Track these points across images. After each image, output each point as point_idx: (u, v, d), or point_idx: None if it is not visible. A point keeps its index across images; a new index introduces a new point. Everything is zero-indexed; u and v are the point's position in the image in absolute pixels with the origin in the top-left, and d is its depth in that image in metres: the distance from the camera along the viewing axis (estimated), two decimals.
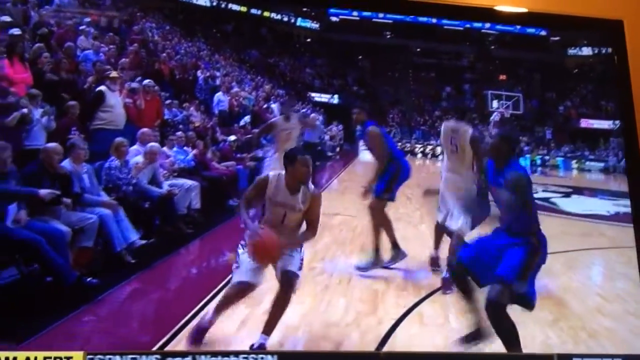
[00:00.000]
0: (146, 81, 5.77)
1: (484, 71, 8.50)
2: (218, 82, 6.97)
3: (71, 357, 3.08)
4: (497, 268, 3.29)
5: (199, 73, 6.95)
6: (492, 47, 8.51)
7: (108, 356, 3.09)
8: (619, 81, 4.57)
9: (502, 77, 8.56)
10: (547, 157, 8.50)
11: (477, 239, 3.66)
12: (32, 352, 3.08)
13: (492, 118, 7.92)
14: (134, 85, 5.64)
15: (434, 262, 4.69)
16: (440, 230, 4.75)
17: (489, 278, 3.35)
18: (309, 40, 7.92)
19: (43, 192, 3.96)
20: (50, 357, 3.08)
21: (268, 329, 3.34)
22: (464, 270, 3.44)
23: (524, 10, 4.57)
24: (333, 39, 8.08)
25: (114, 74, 5.48)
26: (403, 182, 4.78)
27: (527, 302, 3.31)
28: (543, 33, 8.70)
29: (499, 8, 4.53)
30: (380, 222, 4.74)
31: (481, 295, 3.36)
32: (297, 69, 7.71)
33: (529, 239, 3.30)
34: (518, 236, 3.33)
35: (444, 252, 4.62)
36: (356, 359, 3.66)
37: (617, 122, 5.43)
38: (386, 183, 4.67)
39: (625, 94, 4.55)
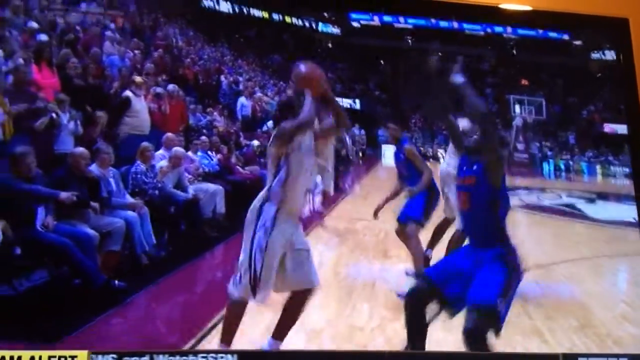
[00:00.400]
0: (170, 86, 5.89)
1: (506, 75, 8.47)
2: (241, 87, 7.04)
3: (75, 356, 3.13)
4: (471, 291, 3.06)
5: (222, 78, 7.03)
6: (514, 51, 8.49)
7: (111, 355, 3.14)
8: (624, 80, 4.56)
9: (524, 81, 8.53)
10: (571, 162, 8.45)
11: (444, 258, 3.55)
12: (37, 351, 3.14)
13: (514, 123, 7.92)
14: (159, 90, 5.74)
15: (427, 263, 4.55)
16: (439, 230, 4.71)
17: (459, 304, 3.12)
18: (330, 45, 7.97)
19: (63, 195, 4.05)
20: (55, 356, 3.14)
21: (280, 334, 3.35)
22: (431, 289, 3.16)
23: (527, 8, 4.58)
24: (354, 43, 8.11)
25: (138, 79, 5.60)
26: (436, 207, 4.66)
27: (499, 327, 3.05)
28: (565, 37, 8.67)
29: (502, 6, 4.54)
30: (417, 249, 4.55)
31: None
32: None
33: (501, 251, 3.11)
34: (487, 246, 3.13)
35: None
36: (360, 358, 3.68)
37: None
38: (423, 208, 4.54)
39: (630, 93, 4.54)
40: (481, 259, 3.12)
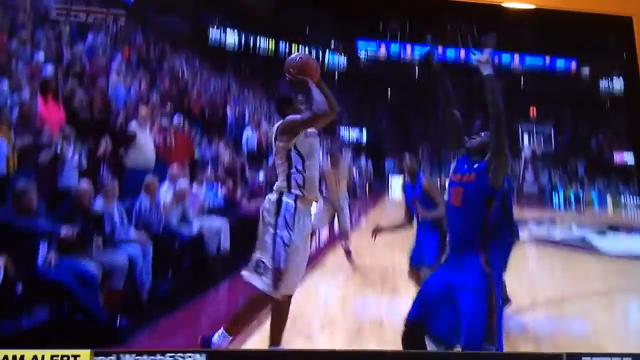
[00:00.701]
0: (176, 119, 5.92)
1: (514, 105, 8.48)
2: (247, 118, 7.05)
3: (78, 356, 3.17)
4: (459, 327, 2.99)
5: (228, 109, 7.07)
6: (522, 80, 8.50)
7: (114, 355, 3.18)
8: (627, 79, 4.56)
9: (533, 111, 8.54)
10: (581, 193, 8.39)
11: (420, 291, 3.36)
12: (39, 350, 3.18)
13: (523, 153, 7.90)
14: (164, 123, 5.79)
15: None
16: None
17: (453, 337, 3.06)
18: (337, 74, 8.01)
19: (64, 231, 4.03)
20: (58, 356, 3.18)
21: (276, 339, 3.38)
22: (419, 331, 3.11)
23: (531, 7, 4.58)
24: (361, 73, 8.16)
25: (144, 111, 5.65)
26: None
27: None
28: (573, 65, 8.70)
29: (506, 5, 4.55)
30: None
31: None
32: None
33: (478, 263, 3.06)
34: (468, 252, 3.08)
35: None
36: (362, 357, 3.70)
37: None
38: (437, 251, 4.41)
39: (634, 92, 4.53)
40: (461, 283, 3.06)
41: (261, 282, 3.26)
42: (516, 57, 8.68)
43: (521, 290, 4.87)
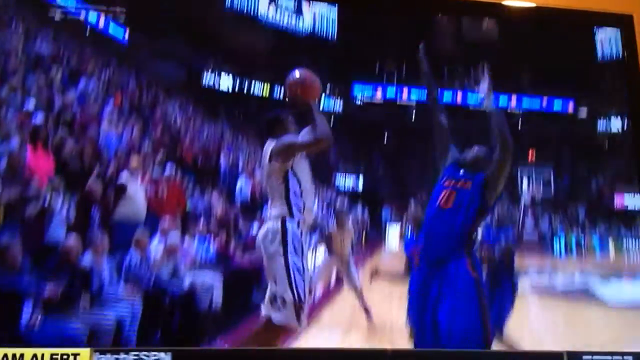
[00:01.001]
0: (168, 169, 5.84)
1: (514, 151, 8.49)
2: (241, 166, 6.99)
3: (78, 354, 3.18)
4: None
5: (221, 157, 7.01)
6: (519, 122, 8.52)
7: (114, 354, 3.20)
8: (628, 78, 4.56)
9: (531, 154, 8.54)
10: (582, 238, 8.32)
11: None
12: (39, 348, 3.22)
13: (522, 199, 7.87)
14: (156, 173, 5.72)
15: None
16: None
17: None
18: (333, 119, 8.01)
19: (48, 291, 3.94)
20: (57, 354, 3.19)
21: None
22: None
23: (532, 5, 4.61)
24: (358, 117, 8.18)
25: (135, 162, 5.58)
26: None
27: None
28: (570, 106, 8.74)
29: (506, 3, 4.58)
30: None
31: None
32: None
33: (464, 268, 3.15)
34: (451, 255, 3.17)
35: None
36: (363, 356, 3.71)
37: None
38: None
39: (635, 91, 4.53)
40: (449, 291, 3.13)
41: (283, 316, 3.17)
42: (513, 98, 8.73)
43: (523, 344, 4.79)
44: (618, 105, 8.21)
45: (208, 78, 7.54)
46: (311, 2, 8.01)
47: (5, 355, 3.13)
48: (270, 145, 3.36)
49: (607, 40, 7.86)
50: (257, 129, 8.35)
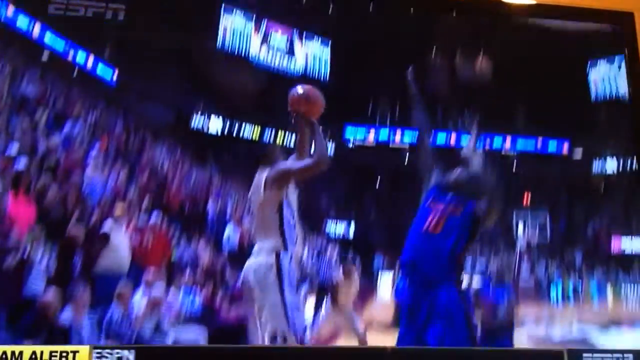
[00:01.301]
0: (154, 217, 5.76)
1: (507, 193, 8.46)
2: (229, 214, 6.90)
3: (77, 351, 3.16)
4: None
5: (209, 204, 6.94)
6: (514, 165, 8.53)
7: (115, 350, 3.15)
8: (629, 79, 4.55)
9: (526, 197, 8.52)
10: (579, 283, 8.24)
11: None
12: (38, 346, 3.20)
13: (518, 245, 7.82)
14: (141, 222, 5.64)
15: None
16: None
17: None
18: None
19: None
20: (57, 352, 3.17)
21: None
22: None
23: (532, 2, 4.63)
24: (350, 160, 8.14)
25: (120, 209, 5.52)
26: None
27: None
28: (565, 146, 8.75)
29: (507, 0, 4.64)
30: None
31: None
32: (312, 195, 7.67)
33: (454, 291, 3.14)
34: (440, 278, 3.14)
35: None
36: (363, 354, 3.67)
37: None
38: None
39: (636, 91, 4.52)
40: (439, 315, 3.10)
41: None
42: (508, 139, 8.75)
43: None
44: (613, 146, 8.27)
45: (197, 120, 7.51)
46: (303, 42, 8.06)
47: (5, 353, 3.13)
48: (263, 174, 3.28)
49: (600, 80, 7.95)
50: (246, 173, 8.38)
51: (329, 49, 7.81)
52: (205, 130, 7.49)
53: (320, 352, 3.55)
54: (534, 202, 8.39)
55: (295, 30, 7.96)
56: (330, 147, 8.03)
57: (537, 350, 3.64)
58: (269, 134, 7.70)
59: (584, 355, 3.54)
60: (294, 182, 3.30)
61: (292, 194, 3.28)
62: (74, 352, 3.15)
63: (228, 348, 3.49)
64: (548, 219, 8.31)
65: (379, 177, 8.32)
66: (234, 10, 7.59)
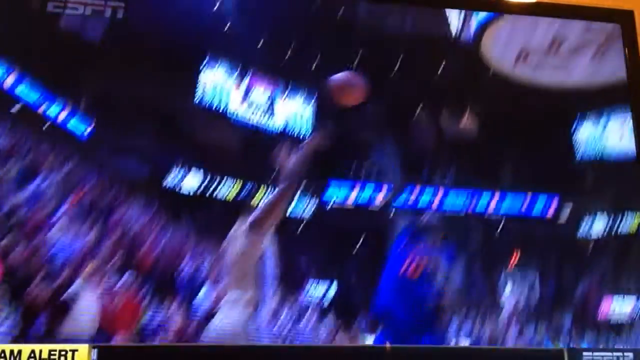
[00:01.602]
0: (124, 279, 5.69)
1: (493, 253, 8.52)
2: (204, 273, 6.85)
3: (76, 350, 3.45)
4: None
5: (183, 264, 6.89)
6: (499, 228, 8.60)
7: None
8: (628, 77, 4.64)
9: (514, 258, 8.57)
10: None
11: None
12: (37, 345, 3.49)
13: (504, 310, 7.83)
14: (111, 283, 5.56)
15: None
16: None
17: None
18: (305, 221, 7.98)
19: None
20: (56, 350, 3.45)
21: None
22: None
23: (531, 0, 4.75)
24: (331, 219, 8.16)
25: (89, 270, 5.44)
26: None
27: None
28: (553, 208, 8.86)
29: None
30: None
31: None
32: (291, 256, 7.67)
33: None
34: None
35: None
36: (362, 353, 3.81)
37: None
38: None
39: (636, 91, 4.60)
40: None
41: None
42: (494, 198, 8.84)
43: None
44: (601, 205, 8.40)
45: (173, 177, 7.53)
46: (285, 98, 8.18)
47: (3, 352, 3.38)
48: (243, 223, 3.33)
49: (584, 142, 8.13)
50: (224, 231, 8.35)
51: (311, 105, 7.93)
52: (181, 187, 7.51)
53: (319, 351, 3.64)
54: (521, 264, 8.44)
55: (278, 85, 8.10)
56: (312, 205, 8.07)
57: (537, 349, 3.87)
58: (247, 191, 7.73)
59: (584, 354, 3.91)
60: (275, 223, 3.33)
61: (270, 247, 3.33)
62: (73, 351, 3.44)
63: (228, 347, 3.59)
64: (536, 281, 8.34)
65: (362, 237, 8.35)
66: (217, 64, 7.72)
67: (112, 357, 3.67)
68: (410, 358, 3.63)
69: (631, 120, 5.08)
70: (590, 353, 4.03)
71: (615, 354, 4.11)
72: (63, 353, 3.46)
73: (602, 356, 4.10)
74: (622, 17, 5.09)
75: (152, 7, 6.10)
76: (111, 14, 5.51)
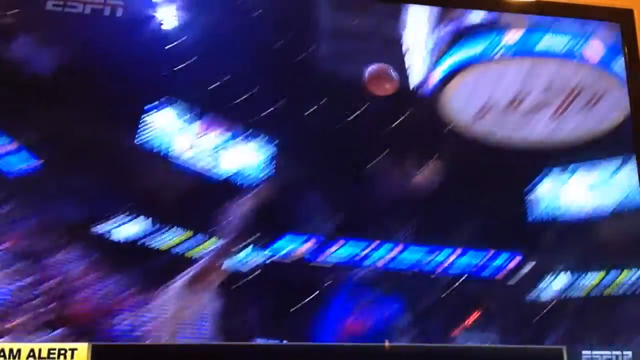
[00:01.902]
0: (56, 333, 5.62)
1: (452, 313, 8.56)
2: (142, 331, 6.71)
3: (76, 349, 4.08)
4: None
5: (119, 318, 6.71)
6: (456, 285, 8.68)
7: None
8: (628, 77, 4.74)
9: (471, 319, 8.62)
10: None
11: None
12: (37, 344, 4.14)
13: None
14: (42, 339, 5.46)
15: None
16: None
17: None
18: (254, 274, 7.91)
19: None
20: (55, 349, 4.09)
21: None
22: None
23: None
24: (284, 273, 8.10)
25: (16, 325, 5.39)
26: None
27: None
28: (517, 259, 8.98)
29: None
30: None
31: None
32: (237, 312, 7.58)
33: None
34: None
35: None
36: (361, 351, 4.44)
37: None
38: None
39: (636, 91, 4.71)
40: None
41: None
42: (457, 251, 8.92)
43: None
44: (563, 263, 8.54)
45: (114, 223, 7.39)
46: (237, 143, 8.18)
47: (2, 350, 4.00)
48: (183, 276, 3.41)
49: (542, 201, 8.33)
50: (165, 282, 8.23)
51: (264, 153, 7.95)
52: (122, 234, 7.36)
53: (319, 350, 3.84)
54: (479, 327, 8.47)
55: (230, 129, 8.10)
56: (263, 256, 8.00)
57: (536, 348, 4.05)
58: (191, 242, 7.62)
59: (583, 352, 4.44)
60: (217, 279, 3.42)
61: (213, 302, 3.38)
62: (73, 350, 4.11)
63: (228, 347, 4.17)
64: (497, 342, 8.37)
65: (317, 292, 8.27)
66: (169, 105, 7.70)
67: (112, 356, 4.39)
68: (410, 356, 3.94)
69: (631, 119, 5.27)
70: (589, 352, 4.29)
71: (614, 352, 4.38)
72: (62, 352, 4.31)
73: (601, 355, 4.37)
74: (622, 16, 5.33)
75: (105, 43, 6.16)
76: (110, 13, 5.65)
